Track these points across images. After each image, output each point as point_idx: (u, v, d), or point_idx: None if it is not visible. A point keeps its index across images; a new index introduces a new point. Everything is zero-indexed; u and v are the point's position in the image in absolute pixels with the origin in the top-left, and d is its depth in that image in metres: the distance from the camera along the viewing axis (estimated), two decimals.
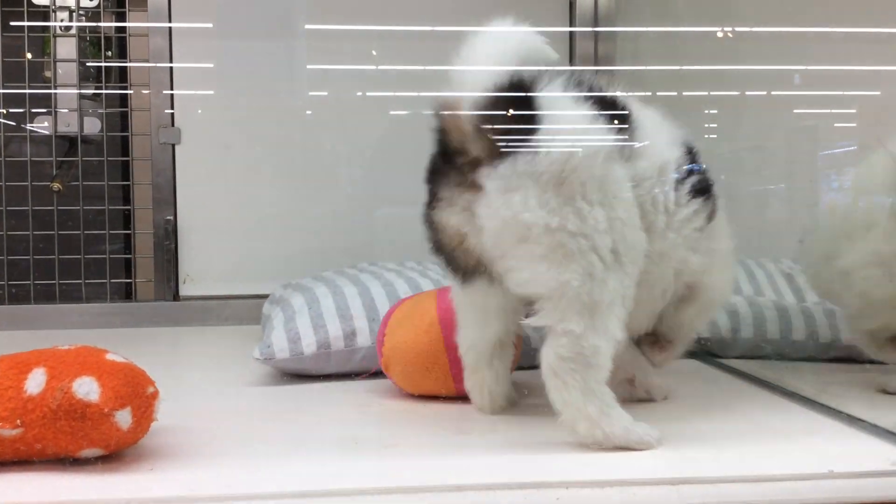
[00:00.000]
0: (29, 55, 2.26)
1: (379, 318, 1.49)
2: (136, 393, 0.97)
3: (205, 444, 1.07)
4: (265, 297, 2.15)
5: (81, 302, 2.28)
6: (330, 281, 1.65)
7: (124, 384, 0.96)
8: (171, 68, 2.29)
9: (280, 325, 1.50)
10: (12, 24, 2.26)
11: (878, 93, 1.47)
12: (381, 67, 2.33)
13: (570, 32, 2.39)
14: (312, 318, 1.49)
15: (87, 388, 0.93)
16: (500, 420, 1.15)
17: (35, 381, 0.94)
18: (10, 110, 2.28)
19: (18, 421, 0.92)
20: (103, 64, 2.30)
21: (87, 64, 2.29)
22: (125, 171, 2.40)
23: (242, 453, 1.04)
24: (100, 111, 2.31)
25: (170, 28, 2.29)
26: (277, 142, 2.35)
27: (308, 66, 2.36)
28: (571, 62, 2.38)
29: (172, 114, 2.31)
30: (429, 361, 1.23)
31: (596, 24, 2.37)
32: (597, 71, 2.05)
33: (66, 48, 2.25)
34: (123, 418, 0.94)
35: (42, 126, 2.26)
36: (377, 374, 1.38)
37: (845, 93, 1.54)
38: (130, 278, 2.39)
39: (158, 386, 1.01)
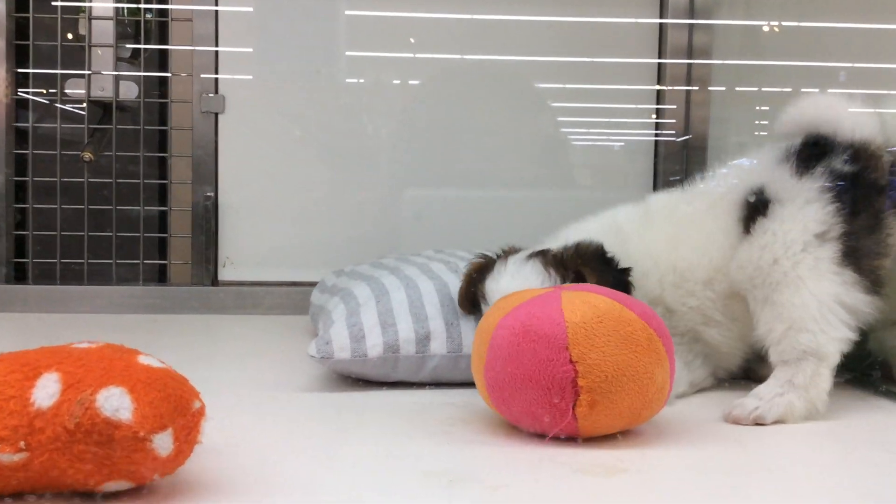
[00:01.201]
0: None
1: (458, 321, 1.26)
2: (179, 409, 0.75)
3: (257, 474, 0.85)
4: (312, 284, 1.94)
5: (111, 284, 2.07)
6: (397, 269, 1.42)
7: (164, 398, 0.74)
8: (217, 28, 2.08)
9: (341, 319, 1.27)
10: None
11: None
12: (418, 56, 2.12)
13: (660, 24, 2.17)
14: (380, 313, 1.26)
15: (115, 403, 0.71)
16: (631, 450, 0.92)
17: (46, 391, 0.72)
18: (40, 70, 2.08)
19: (22, 443, 0.70)
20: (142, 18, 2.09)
21: (125, 19, 2.08)
22: (162, 141, 2.20)
23: (306, 488, 0.81)
24: (137, 74, 2.10)
25: None
26: (326, 120, 2.13)
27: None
28: (661, 55, 2.14)
29: (217, 79, 2.09)
30: (654, 375, 0.94)
31: (692, 16, 2.14)
32: None
33: (103, 2, 2.04)
34: (163, 443, 0.72)
35: (75, 92, 2.05)
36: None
37: None
38: (165, 260, 2.18)
39: (199, 389, 0.79)
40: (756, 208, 1.15)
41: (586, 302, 0.95)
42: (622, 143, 2.20)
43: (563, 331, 0.93)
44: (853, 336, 1.08)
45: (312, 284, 2.03)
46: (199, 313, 2.05)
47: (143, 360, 0.78)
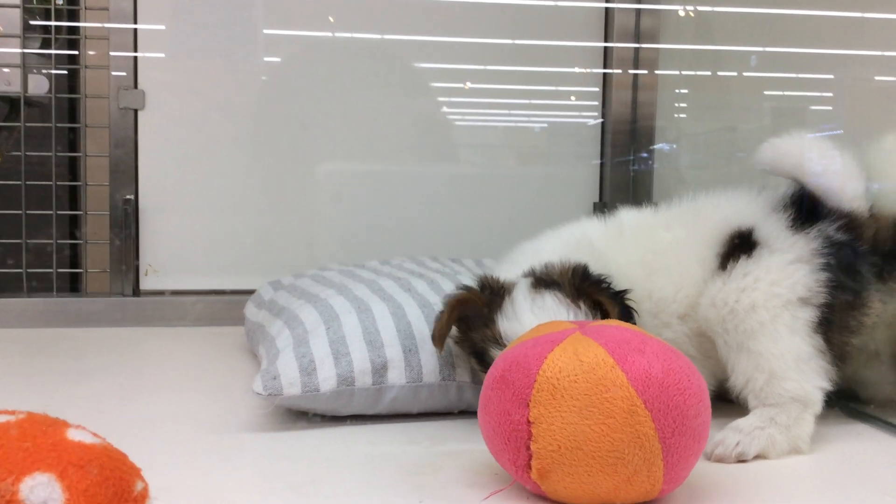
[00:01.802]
0: None
1: (417, 348, 1.16)
2: (119, 495, 0.63)
3: None
4: (245, 293, 1.82)
5: (22, 295, 1.90)
6: (344, 288, 1.31)
7: (101, 483, 0.62)
8: (135, 16, 1.91)
9: (288, 349, 1.16)
10: None
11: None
12: (337, 35, 2.00)
13: (606, 8, 2.10)
14: (332, 341, 1.16)
15: (43, 494, 0.60)
16: None
17: None
18: None
19: None
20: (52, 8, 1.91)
21: (33, 8, 1.90)
22: (75, 140, 2.02)
23: None
24: (47, 70, 1.92)
25: None
26: (254, 111, 1.99)
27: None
28: (607, 38, 2.08)
29: (136, 74, 1.93)
30: (625, 455, 0.81)
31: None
32: None
33: None
34: None
35: None
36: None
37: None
38: (81, 268, 2.02)
39: (124, 431, 0.67)
40: (740, 248, 1.08)
41: (577, 352, 0.84)
42: (545, 125, 2.13)
43: (530, 384, 0.83)
44: (829, 387, 1.03)
45: (244, 293, 1.91)
46: (120, 326, 1.90)
47: (74, 434, 0.66)
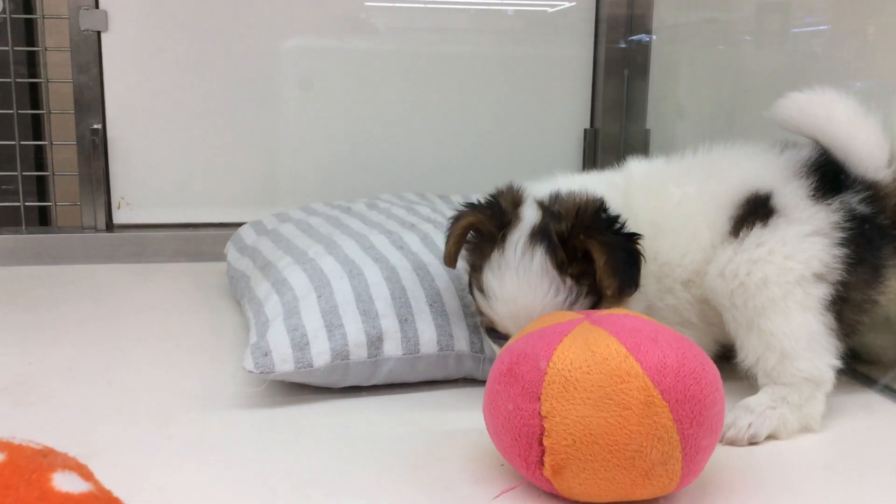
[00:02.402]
0: None
1: (413, 317, 1.11)
2: None
3: None
4: (224, 226, 1.76)
5: None
6: (332, 244, 1.25)
7: None
8: None
9: (279, 321, 1.10)
10: None
11: None
12: None
13: None
14: (324, 311, 1.10)
15: None
16: None
17: None
18: None
19: None
20: None
21: None
22: (35, 65, 1.89)
23: None
24: None
25: None
26: (226, 29, 1.87)
27: None
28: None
29: None
30: (643, 448, 0.77)
31: None
32: None
33: None
34: None
35: None
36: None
37: None
38: (48, 201, 1.92)
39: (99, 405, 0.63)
40: (756, 213, 1.02)
41: (587, 343, 0.80)
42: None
43: (540, 377, 0.80)
44: (839, 364, 1.00)
45: (223, 226, 1.85)
46: (93, 262, 1.82)
47: (61, 481, 0.61)
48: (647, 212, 1.08)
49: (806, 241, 0.99)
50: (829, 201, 1.01)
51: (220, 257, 1.66)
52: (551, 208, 1.02)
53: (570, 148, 2.00)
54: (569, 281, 0.98)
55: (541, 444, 0.79)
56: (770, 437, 0.97)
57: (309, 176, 1.93)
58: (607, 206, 1.02)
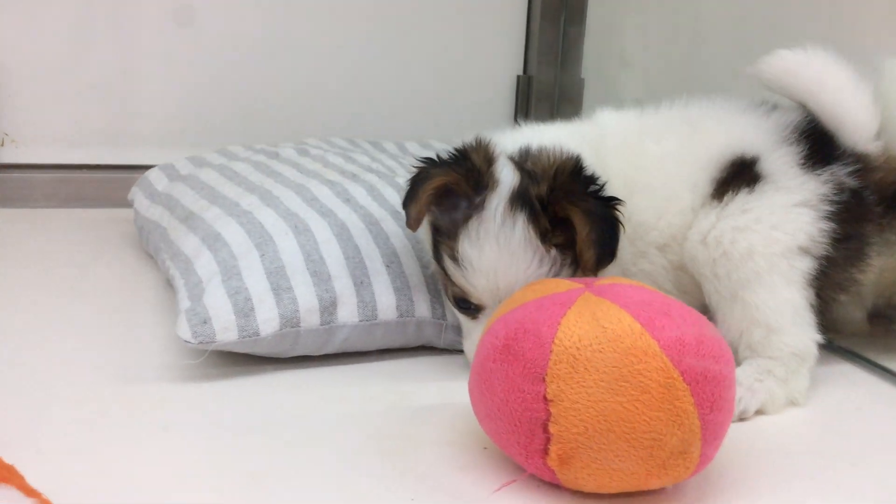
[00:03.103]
0: None
1: (369, 279, 1.00)
2: None
3: None
4: (126, 169, 1.59)
5: None
6: (268, 194, 1.12)
7: None
8: None
9: (216, 282, 0.97)
10: None
11: None
12: None
13: None
14: (269, 272, 0.97)
15: None
16: None
17: None
18: None
19: None
20: None
21: None
22: None
23: None
24: None
25: None
26: None
27: None
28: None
29: None
30: (663, 436, 0.69)
31: None
32: None
33: None
34: None
35: None
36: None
37: None
38: None
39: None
40: (741, 178, 0.95)
41: (596, 317, 0.72)
42: None
43: (545, 356, 0.71)
44: (821, 339, 0.95)
45: (125, 168, 1.67)
46: None
47: None
48: (621, 168, 1.00)
49: (793, 212, 0.93)
50: (818, 171, 0.95)
51: (122, 203, 1.49)
52: (525, 166, 0.93)
53: (502, 95, 1.90)
54: (553, 251, 0.90)
55: (545, 430, 0.70)
56: (757, 413, 0.92)
57: (219, 114, 1.76)
58: (584, 165, 0.93)
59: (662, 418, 0.69)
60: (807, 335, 0.94)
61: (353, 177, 1.21)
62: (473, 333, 0.94)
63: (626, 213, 0.96)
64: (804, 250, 0.93)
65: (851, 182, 0.94)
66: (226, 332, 0.92)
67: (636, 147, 1.02)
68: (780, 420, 0.92)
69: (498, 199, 0.90)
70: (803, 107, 0.99)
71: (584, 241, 0.88)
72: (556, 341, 0.71)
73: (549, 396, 0.70)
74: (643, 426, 0.69)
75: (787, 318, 0.93)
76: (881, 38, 1.17)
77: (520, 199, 0.90)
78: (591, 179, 0.92)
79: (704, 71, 1.41)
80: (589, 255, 0.89)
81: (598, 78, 1.76)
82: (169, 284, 1.15)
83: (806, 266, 0.93)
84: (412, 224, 0.94)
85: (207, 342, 0.91)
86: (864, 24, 1.19)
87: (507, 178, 0.91)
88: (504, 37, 1.89)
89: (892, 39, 1.16)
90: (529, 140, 0.99)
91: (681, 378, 0.69)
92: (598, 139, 1.03)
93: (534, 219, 0.89)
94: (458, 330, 1.00)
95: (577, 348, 0.70)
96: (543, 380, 0.70)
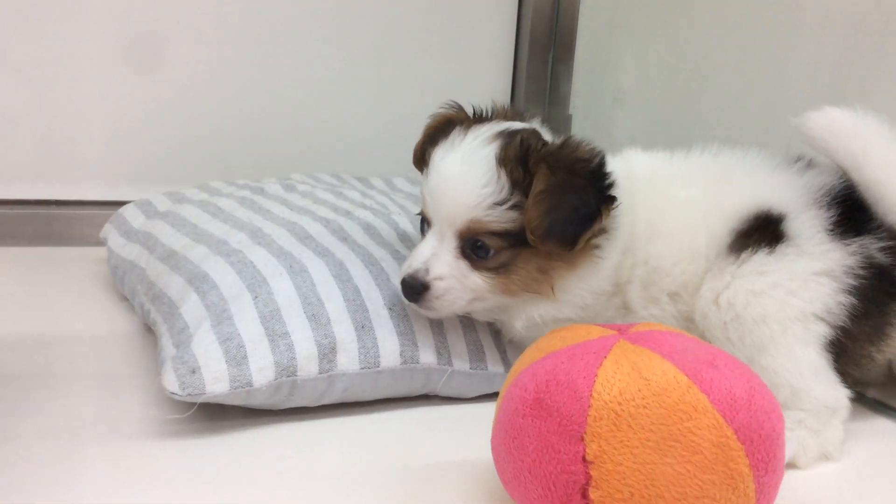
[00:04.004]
0: None
1: (370, 324, 0.92)
2: None
3: None
4: (95, 205, 1.49)
5: None
6: (260, 234, 1.05)
7: None
8: None
9: (206, 328, 0.89)
10: None
11: None
12: None
13: None
14: (263, 316, 0.90)
15: None
16: None
17: None
18: None
19: None
20: None
21: None
22: None
23: None
24: None
25: None
26: None
27: None
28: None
29: None
30: (717, 502, 0.63)
31: None
32: None
33: None
34: None
35: None
36: None
37: None
38: None
39: None
40: (762, 234, 0.90)
41: (636, 368, 0.65)
42: None
43: (583, 411, 0.64)
44: (850, 394, 0.89)
45: (95, 205, 1.58)
46: None
47: None
48: (647, 210, 0.96)
49: (813, 280, 0.88)
50: (847, 241, 0.89)
51: (93, 241, 1.40)
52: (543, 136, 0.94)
53: None
54: (505, 182, 0.88)
55: (584, 496, 0.63)
56: (788, 465, 0.86)
57: (195, 149, 1.67)
58: (604, 162, 0.91)
59: (716, 482, 0.63)
60: (834, 389, 0.89)
61: (347, 214, 1.14)
62: (414, 255, 0.92)
63: (643, 256, 0.95)
64: (820, 318, 0.88)
65: (882, 258, 0.88)
66: (216, 382, 0.83)
67: (662, 191, 0.98)
68: (813, 474, 0.86)
69: (488, 129, 0.92)
70: (841, 170, 0.92)
71: (533, 199, 0.86)
72: (595, 395, 0.65)
73: (588, 457, 0.63)
74: (695, 491, 0.62)
75: (809, 376, 0.88)
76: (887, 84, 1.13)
77: (508, 136, 0.90)
78: (599, 173, 0.90)
79: (706, 108, 1.37)
80: (534, 216, 0.86)
81: (587, 115, 1.72)
82: (148, 330, 1.07)
83: (821, 330, 0.88)
84: (415, 160, 0.99)
85: (196, 394, 0.83)
86: (869, 64, 1.15)
87: (515, 126, 0.93)
88: (491, 73, 1.85)
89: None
90: None
91: (735, 437, 0.63)
92: (626, 178, 0.99)
93: (504, 147, 0.89)
94: (466, 375, 0.94)
95: (619, 403, 0.64)
96: (582, 439, 0.64)
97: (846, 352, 0.89)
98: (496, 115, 0.97)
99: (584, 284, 0.93)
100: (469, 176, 0.88)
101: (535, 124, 0.98)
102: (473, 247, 0.90)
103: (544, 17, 1.81)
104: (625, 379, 0.65)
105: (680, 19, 1.46)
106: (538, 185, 0.86)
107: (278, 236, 1.03)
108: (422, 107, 1.79)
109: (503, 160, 0.88)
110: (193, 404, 0.84)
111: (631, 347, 0.69)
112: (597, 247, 0.91)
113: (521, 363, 0.73)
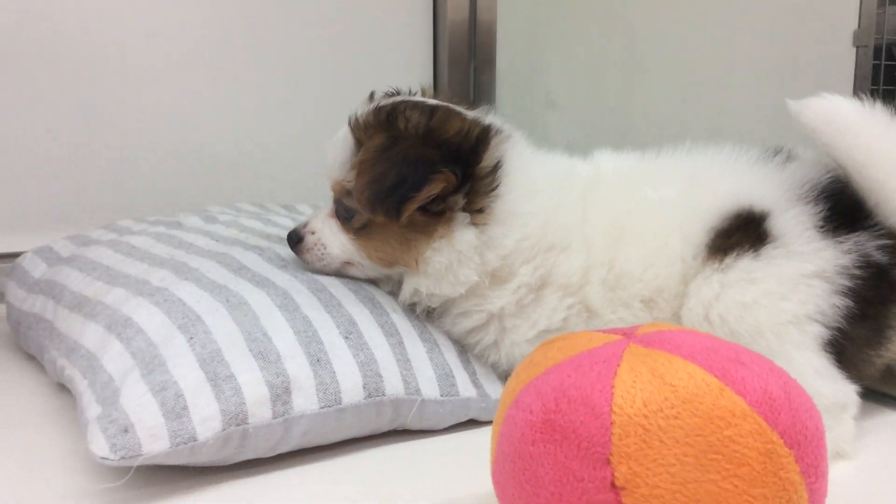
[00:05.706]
0: None
1: (326, 356, 0.81)
2: None
3: None
4: None
5: None
6: (185, 268, 0.92)
7: None
8: None
9: (134, 377, 0.76)
10: None
11: None
12: None
13: None
14: (203, 360, 0.77)
15: None
16: None
17: None
18: None
19: None
20: None
21: None
22: None
23: None
24: None
25: None
26: None
27: None
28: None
29: None
30: None
31: None
32: None
33: None
34: None
35: None
36: None
37: None
38: None
39: None
40: (744, 235, 0.83)
41: (657, 374, 0.57)
42: None
43: (605, 429, 0.55)
44: (858, 388, 0.83)
45: None
46: None
47: None
48: (611, 212, 0.90)
49: (804, 283, 0.82)
50: (840, 239, 0.82)
51: None
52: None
53: None
54: (351, 145, 0.89)
55: None
56: None
57: (92, 188, 1.52)
58: (466, 132, 0.88)
59: (768, 496, 0.54)
60: (841, 385, 0.82)
61: (281, 240, 1.02)
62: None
63: (607, 259, 0.89)
64: (815, 320, 0.82)
65: (879, 257, 0.82)
66: (154, 440, 0.71)
67: (632, 192, 0.91)
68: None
69: (386, 100, 0.93)
70: (834, 161, 0.86)
71: (357, 165, 0.86)
72: (616, 409, 0.55)
73: (618, 483, 0.54)
74: None
75: (813, 377, 0.81)
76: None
77: (390, 109, 0.89)
78: (443, 140, 0.86)
79: (646, 103, 1.31)
80: (356, 183, 0.85)
81: (520, 123, 1.65)
82: (61, 389, 0.93)
83: (817, 331, 0.82)
84: None
85: (131, 456, 0.69)
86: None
87: (415, 99, 0.93)
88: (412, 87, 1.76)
89: None
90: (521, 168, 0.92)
91: (781, 442, 0.55)
92: (590, 178, 0.92)
93: (361, 119, 0.89)
94: (438, 403, 0.84)
95: (645, 416, 0.55)
96: (608, 461, 0.54)
97: (844, 354, 0.83)
98: (423, 95, 0.96)
99: (441, 258, 0.86)
100: (338, 138, 0.91)
101: (485, 113, 0.96)
102: (342, 207, 0.91)
103: (462, 28, 1.73)
104: (647, 387, 0.56)
105: (611, 17, 1.41)
106: (363, 153, 0.85)
107: (207, 269, 0.91)
108: (339, 127, 1.70)
109: (354, 125, 0.89)
110: (129, 469, 0.71)
111: (644, 351, 0.60)
112: (451, 220, 0.86)
113: (518, 381, 0.63)
